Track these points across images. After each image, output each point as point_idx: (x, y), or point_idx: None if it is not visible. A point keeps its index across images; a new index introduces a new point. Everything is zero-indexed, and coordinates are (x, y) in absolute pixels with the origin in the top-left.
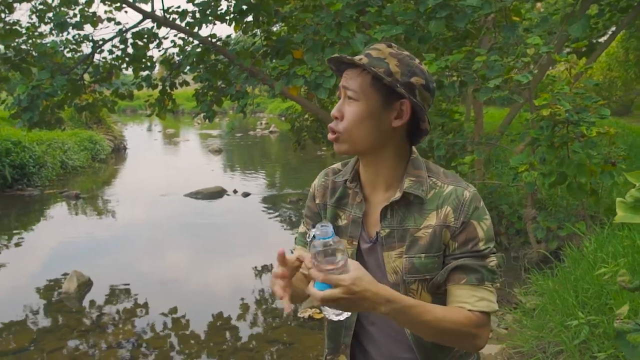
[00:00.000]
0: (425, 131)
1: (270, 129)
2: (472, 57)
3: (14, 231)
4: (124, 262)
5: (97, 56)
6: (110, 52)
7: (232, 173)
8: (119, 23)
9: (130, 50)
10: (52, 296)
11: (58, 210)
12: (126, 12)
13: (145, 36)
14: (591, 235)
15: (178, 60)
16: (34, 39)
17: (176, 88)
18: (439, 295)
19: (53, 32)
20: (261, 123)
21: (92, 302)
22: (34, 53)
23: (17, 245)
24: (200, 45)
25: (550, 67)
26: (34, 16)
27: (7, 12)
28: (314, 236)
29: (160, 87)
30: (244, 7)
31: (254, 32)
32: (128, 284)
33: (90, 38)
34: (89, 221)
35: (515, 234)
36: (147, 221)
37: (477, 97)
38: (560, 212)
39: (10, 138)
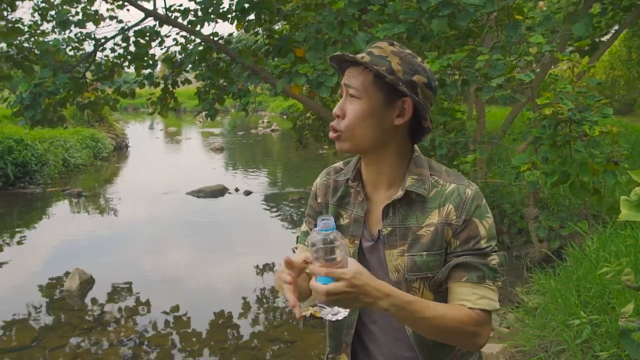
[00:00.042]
0: (428, 129)
1: (272, 128)
2: (474, 55)
3: (16, 229)
4: (126, 260)
5: (99, 54)
6: (113, 50)
7: (233, 171)
8: (121, 21)
9: (132, 48)
10: (54, 294)
11: (60, 208)
12: (128, 10)
13: (148, 34)
14: (593, 235)
15: (180, 58)
16: (36, 37)
17: (178, 86)
18: (441, 294)
19: (55, 30)
20: (263, 121)
21: (94, 300)
22: (36, 51)
23: (20, 243)
24: (202, 43)
25: (553, 66)
26: (36, 14)
27: (9, 10)
28: (315, 229)
29: (162, 86)
30: (246, 5)
31: (256, 30)
32: (130, 282)
33: (93, 36)
34: (91, 219)
35: (517, 233)
36: (149, 219)
37: (479, 96)
38: (563, 211)
39: (12, 136)
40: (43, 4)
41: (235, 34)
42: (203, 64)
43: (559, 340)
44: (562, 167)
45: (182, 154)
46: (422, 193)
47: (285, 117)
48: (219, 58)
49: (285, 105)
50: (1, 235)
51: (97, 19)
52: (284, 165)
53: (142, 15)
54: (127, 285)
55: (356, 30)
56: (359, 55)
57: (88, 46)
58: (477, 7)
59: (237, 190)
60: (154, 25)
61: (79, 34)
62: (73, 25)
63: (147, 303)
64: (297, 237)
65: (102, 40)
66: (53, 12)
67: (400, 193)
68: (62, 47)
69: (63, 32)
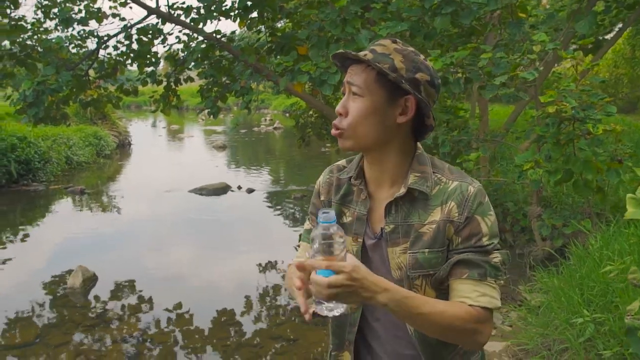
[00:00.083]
0: (431, 127)
1: (275, 125)
2: (477, 53)
3: (20, 226)
4: (129, 258)
5: (102, 52)
6: (115, 48)
7: (236, 169)
8: (123, 19)
9: (135, 46)
10: (57, 291)
11: (63, 206)
12: (131, 7)
13: (150, 32)
14: (597, 233)
15: (183, 56)
16: (39, 35)
17: (181, 84)
18: (443, 291)
19: (58, 27)
20: (265, 119)
21: (97, 297)
22: (39, 49)
23: (23, 240)
24: (205, 41)
25: (556, 64)
26: (39, 12)
27: (12, 7)
28: (317, 222)
29: (164, 83)
30: (249, 3)
31: (258, 28)
32: (133, 280)
33: (95, 34)
34: (94, 217)
35: (520, 232)
36: (151, 217)
37: (482, 95)
38: (566, 209)
39: (15, 133)
40: (46, 2)
41: (237, 32)
42: (206, 62)
43: (562, 338)
44: (566, 166)
45: (184, 152)
46: (425, 190)
47: (287, 115)
48: (222, 56)
49: (288, 103)
50: (5, 232)
51: (99, 16)
52: (286, 163)
53: (145, 12)
54: (130, 283)
55: (359, 28)
56: (361, 53)
57: (91, 44)
58: (480, 5)
59: (239, 188)
60: (157, 23)
61: (82, 32)
62: (76, 23)
63: (150, 300)
64: (300, 235)
65: (105, 38)
66: (56, 10)
67: (402, 190)
68: (65, 44)
69: (66, 30)
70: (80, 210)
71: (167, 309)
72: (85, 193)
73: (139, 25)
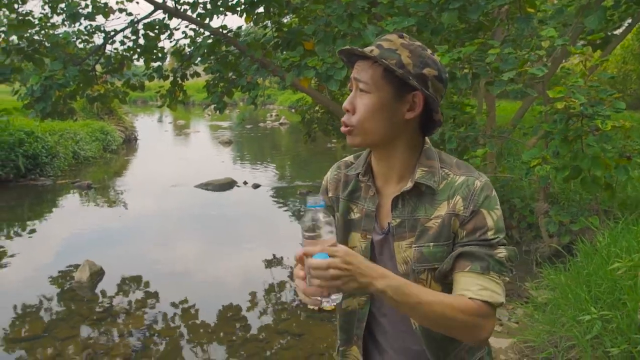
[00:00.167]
0: (439, 122)
1: (281, 121)
2: (485, 49)
3: (27, 221)
4: (135, 253)
5: (108, 47)
6: (122, 43)
7: (242, 165)
8: (130, 14)
9: (141, 41)
10: (64, 285)
11: (70, 200)
12: (137, 2)
13: (157, 27)
14: (605, 230)
15: (189, 51)
16: (46, 30)
17: (187, 79)
18: (449, 285)
19: (65, 23)
20: (271, 115)
21: (103, 292)
22: (46, 44)
23: (31, 234)
24: (211, 36)
25: (564, 60)
26: (46, 7)
27: (20, 2)
28: (306, 208)
29: (171, 79)
30: None
31: (265, 23)
32: (139, 274)
33: (102, 29)
34: (101, 211)
35: (527, 228)
36: (157, 212)
37: (490, 90)
38: (573, 206)
39: (23, 128)
40: None
41: (244, 27)
42: (212, 57)
43: (568, 335)
44: (574, 162)
45: (190, 147)
46: (432, 185)
47: (293, 110)
48: (228, 51)
49: (294, 99)
50: (13, 226)
51: (106, 11)
52: (292, 159)
53: (152, 8)
54: (137, 277)
55: (365, 24)
56: (368, 49)
57: (98, 39)
58: (488, 0)
59: (245, 183)
60: (163, 18)
61: (89, 27)
62: (83, 18)
63: (156, 295)
64: None
65: (112, 33)
66: (63, 5)
67: (409, 185)
68: (72, 39)
69: (73, 25)
70: (87, 205)
71: (173, 304)
72: (92, 188)
73: (145, 21)
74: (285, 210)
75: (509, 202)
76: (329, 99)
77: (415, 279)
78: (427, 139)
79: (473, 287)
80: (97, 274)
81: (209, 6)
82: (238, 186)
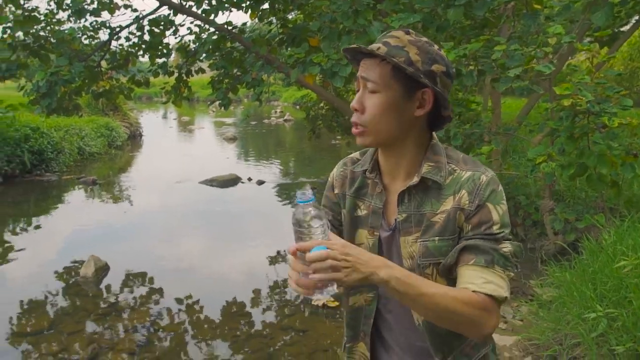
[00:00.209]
0: (448, 118)
1: (285, 118)
2: (490, 46)
3: (33, 216)
4: (140, 248)
5: (114, 43)
6: (127, 39)
7: (246, 161)
8: (135, 10)
9: (146, 37)
10: (69, 280)
11: (75, 196)
12: None
13: (162, 23)
14: (610, 228)
15: (194, 47)
16: (52, 26)
17: (192, 75)
18: (453, 280)
19: (71, 18)
20: (276, 111)
21: (108, 287)
22: (52, 40)
23: (36, 229)
24: (216, 32)
25: (570, 57)
26: (52, 3)
27: None
28: (296, 204)
29: (176, 75)
30: None
31: (270, 19)
32: (144, 270)
33: (108, 25)
34: (105, 207)
35: (532, 225)
36: (162, 208)
37: (496, 87)
38: (579, 203)
39: (29, 124)
40: None
41: (249, 23)
42: (217, 53)
43: (574, 333)
44: (580, 159)
45: (195, 143)
46: (438, 180)
47: (298, 107)
48: (233, 47)
49: (299, 95)
50: (18, 222)
51: (112, 7)
52: (296, 155)
53: (157, 4)
54: (141, 273)
55: (371, 20)
56: (374, 46)
57: (103, 35)
58: None
59: (249, 179)
60: (168, 14)
61: (94, 23)
62: (88, 14)
63: (161, 290)
64: None
65: (117, 29)
66: (69, 1)
67: (415, 179)
68: (78, 35)
69: (78, 21)
70: (92, 201)
71: (177, 299)
72: (97, 183)
73: (150, 17)
74: (290, 207)
75: (514, 200)
76: (334, 96)
77: (420, 274)
78: (434, 134)
79: (477, 280)
80: (102, 270)
81: (214, 2)
82: (242, 182)
